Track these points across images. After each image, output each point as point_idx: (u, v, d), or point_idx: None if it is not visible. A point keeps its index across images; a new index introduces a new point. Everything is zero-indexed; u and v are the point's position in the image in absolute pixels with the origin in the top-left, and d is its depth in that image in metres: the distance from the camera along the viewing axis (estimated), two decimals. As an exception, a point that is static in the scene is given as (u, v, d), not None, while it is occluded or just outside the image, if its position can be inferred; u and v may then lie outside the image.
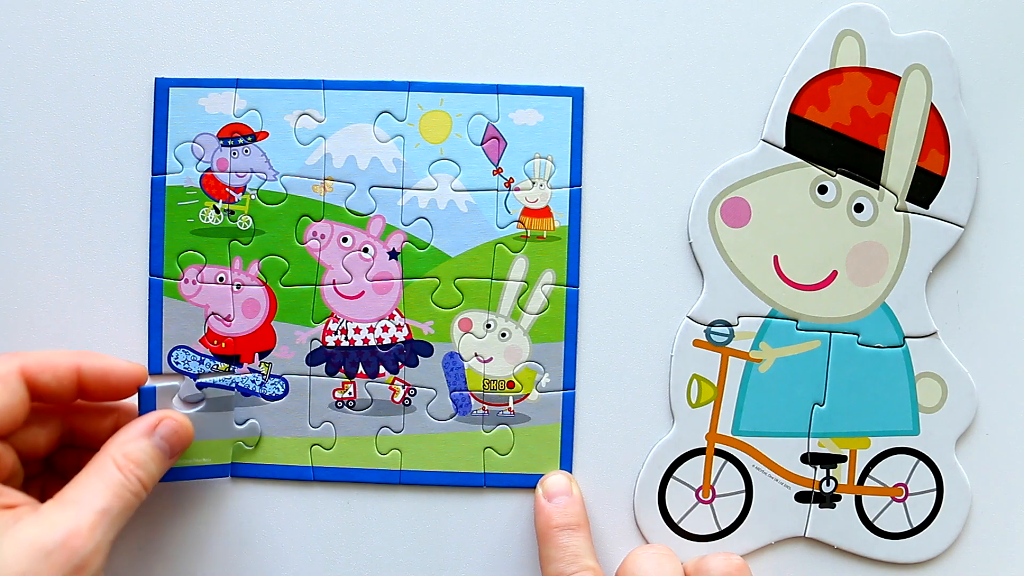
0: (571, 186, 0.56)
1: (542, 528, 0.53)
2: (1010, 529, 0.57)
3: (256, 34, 0.55)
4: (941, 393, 0.56)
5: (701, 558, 0.54)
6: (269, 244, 0.56)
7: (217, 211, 0.56)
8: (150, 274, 0.56)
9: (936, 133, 0.55)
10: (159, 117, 0.55)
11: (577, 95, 0.56)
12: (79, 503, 0.46)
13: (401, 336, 0.56)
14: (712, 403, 0.56)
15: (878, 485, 0.56)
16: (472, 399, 0.56)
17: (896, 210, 0.55)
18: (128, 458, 0.48)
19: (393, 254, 0.56)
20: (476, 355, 0.56)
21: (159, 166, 0.55)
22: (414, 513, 0.56)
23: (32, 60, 0.55)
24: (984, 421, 0.56)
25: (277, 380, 0.56)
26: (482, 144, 0.56)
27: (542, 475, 0.56)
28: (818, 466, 0.56)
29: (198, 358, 0.56)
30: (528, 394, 0.56)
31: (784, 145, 0.55)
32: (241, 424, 0.56)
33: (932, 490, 0.56)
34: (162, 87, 0.55)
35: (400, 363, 0.56)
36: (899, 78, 0.55)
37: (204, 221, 0.56)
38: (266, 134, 0.56)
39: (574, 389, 0.56)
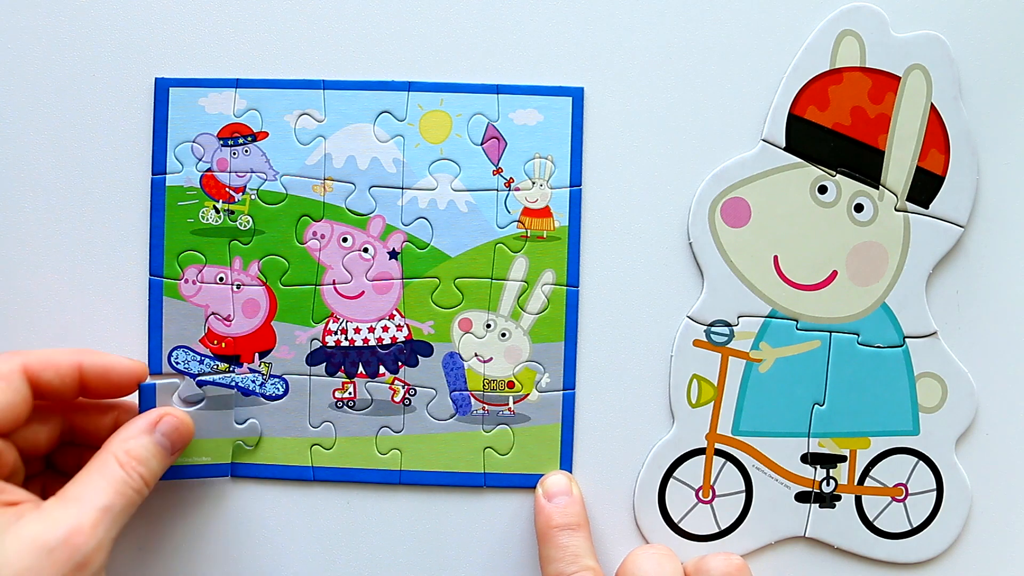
0: (571, 186, 0.56)
1: (542, 528, 0.53)
2: (1010, 529, 0.57)
3: (256, 34, 0.55)
4: (941, 393, 0.56)
5: (701, 558, 0.54)
6: (269, 244, 0.56)
7: (217, 211, 0.56)
8: (150, 274, 0.56)
9: (936, 133, 0.55)
10: (159, 117, 0.55)
11: (577, 95, 0.55)
12: (81, 500, 0.46)
13: (401, 336, 0.56)
14: (712, 403, 0.56)
15: (878, 485, 0.56)
16: (472, 399, 0.56)
17: (896, 210, 0.55)
18: (130, 455, 0.48)
19: (393, 254, 0.56)
20: (476, 355, 0.56)
21: (159, 166, 0.55)
22: (414, 513, 0.56)
23: (32, 60, 0.55)
24: (984, 421, 0.56)
25: (277, 380, 0.56)
26: (482, 144, 0.56)
27: (542, 475, 0.56)
28: (818, 466, 0.56)
29: (198, 358, 0.56)
30: (528, 394, 0.56)
31: (784, 145, 0.55)
32: (241, 424, 0.56)
33: (932, 490, 0.56)
34: (162, 87, 0.55)
35: (400, 363, 0.56)
36: (899, 78, 0.55)
37: (204, 221, 0.56)
38: (266, 134, 0.55)
39: (574, 389, 0.56)
